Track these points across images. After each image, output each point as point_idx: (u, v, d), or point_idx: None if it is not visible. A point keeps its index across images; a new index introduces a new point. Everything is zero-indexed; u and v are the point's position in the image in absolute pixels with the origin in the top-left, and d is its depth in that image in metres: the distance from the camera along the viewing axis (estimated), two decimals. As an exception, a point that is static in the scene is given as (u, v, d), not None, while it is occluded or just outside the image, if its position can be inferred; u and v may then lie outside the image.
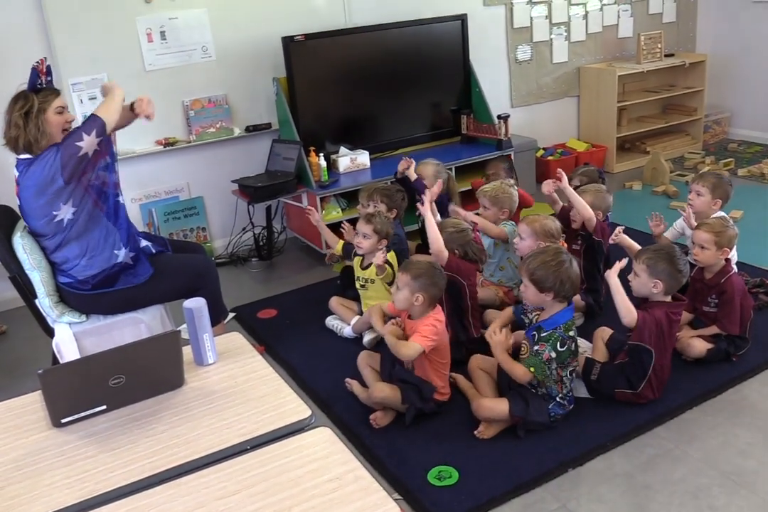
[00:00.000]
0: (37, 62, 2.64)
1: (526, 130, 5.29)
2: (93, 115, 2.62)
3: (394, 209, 3.61)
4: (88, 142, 2.56)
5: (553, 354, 2.51)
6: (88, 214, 2.65)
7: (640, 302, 2.73)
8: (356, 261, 3.40)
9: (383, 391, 2.67)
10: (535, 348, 2.52)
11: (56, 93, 2.69)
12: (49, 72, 2.69)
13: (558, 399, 2.60)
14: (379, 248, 3.22)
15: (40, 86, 2.66)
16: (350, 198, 4.26)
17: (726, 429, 2.58)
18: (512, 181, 3.61)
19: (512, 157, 4.63)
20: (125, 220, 2.79)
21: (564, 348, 2.52)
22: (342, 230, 3.64)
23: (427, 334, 2.60)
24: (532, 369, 2.54)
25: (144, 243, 2.91)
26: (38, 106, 2.59)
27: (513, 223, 3.49)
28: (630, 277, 2.73)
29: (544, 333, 2.54)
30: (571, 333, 2.56)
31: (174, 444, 1.59)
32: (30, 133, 2.58)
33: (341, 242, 3.58)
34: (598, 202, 3.36)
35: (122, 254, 2.75)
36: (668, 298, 2.70)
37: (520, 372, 2.57)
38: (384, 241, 3.25)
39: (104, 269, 2.73)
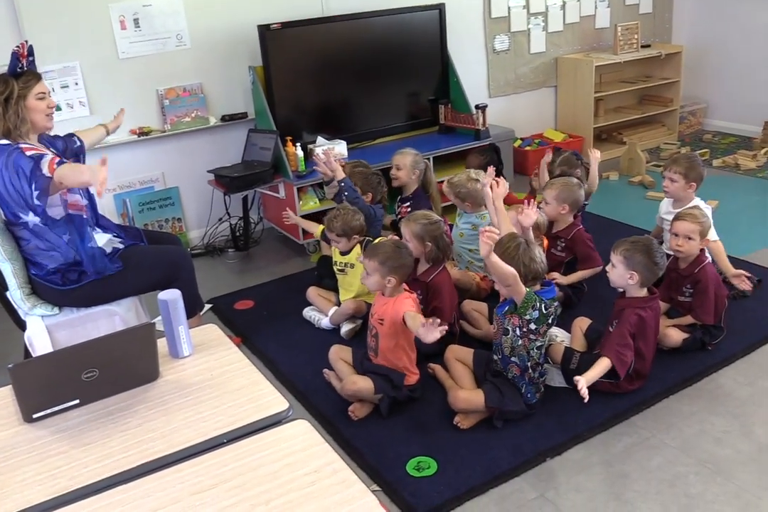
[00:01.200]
0: (18, 46, 2.57)
1: (503, 120, 5.29)
2: (48, 178, 2.41)
3: (369, 193, 3.61)
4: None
5: (535, 314, 2.49)
6: (52, 221, 2.60)
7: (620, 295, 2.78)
8: (334, 249, 3.39)
9: (355, 384, 2.67)
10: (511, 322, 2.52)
11: (38, 78, 2.62)
12: (30, 52, 2.61)
13: (529, 369, 2.58)
14: (357, 241, 3.24)
15: (21, 69, 2.59)
16: (328, 188, 4.23)
17: (702, 418, 2.60)
18: (478, 174, 3.50)
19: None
20: (82, 220, 2.69)
21: (546, 311, 2.49)
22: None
23: (412, 307, 2.62)
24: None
25: (104, 239, 2.79)
26: (18, 91, 2.54)
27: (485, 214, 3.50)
28: (608, 268, 2.75)
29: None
30: (552, 308, 2.53)
31: (149, 438, 1.56)
32: (9, 120, 2.54)
33: (321, 227, 3.56)
34: (564, 195, 3.34)
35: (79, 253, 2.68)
36: (643, 291, 2.71)
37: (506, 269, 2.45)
38: (356, 236, 3.26)
39: (64, 264, 2.67)
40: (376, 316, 2.70)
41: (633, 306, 2.68)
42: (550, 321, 2.56)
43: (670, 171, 3.39)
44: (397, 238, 3.09)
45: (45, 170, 2.42)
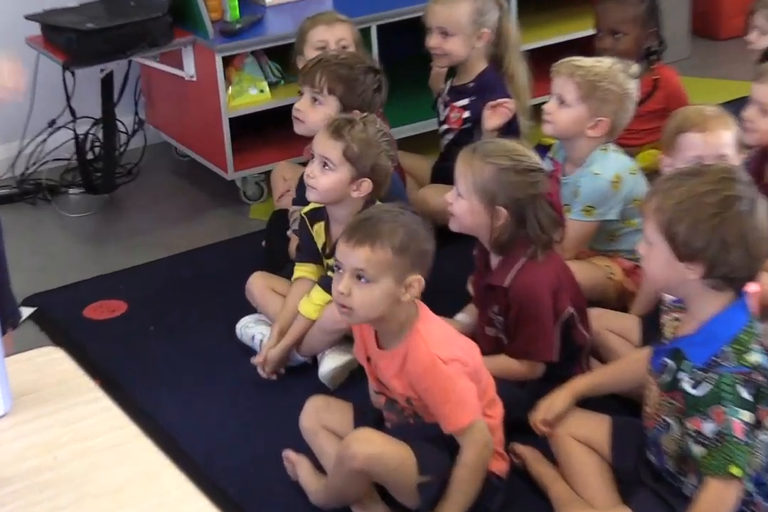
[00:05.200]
0: None
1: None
2: None
3: (357, 109, 3.60)
4: None
5: (746, 418, 2.46)
6: None
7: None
8: (317, 231, 3.44)
9: (373, 443, 2.68)
10: (709, 427, 2.50)
11: None
12: None
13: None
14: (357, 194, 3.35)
15: None
16: (286, 59, 4.11)
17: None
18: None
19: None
20: None
21: (755, 392, 2.49)
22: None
23: (465, 395, 2.65)
24: (735, 470, 2.46)
25: None
26: None
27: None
28: None
29: (703, 381, 2.52)
30: (756, 357, 2.49)
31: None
32: None
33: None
34: None
35: None
36: None
37: None
38: (365, 183, 3.33)
39: None
40: (394, 392, 2.80)
41: None
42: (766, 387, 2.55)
43: None
44: None
45: None
